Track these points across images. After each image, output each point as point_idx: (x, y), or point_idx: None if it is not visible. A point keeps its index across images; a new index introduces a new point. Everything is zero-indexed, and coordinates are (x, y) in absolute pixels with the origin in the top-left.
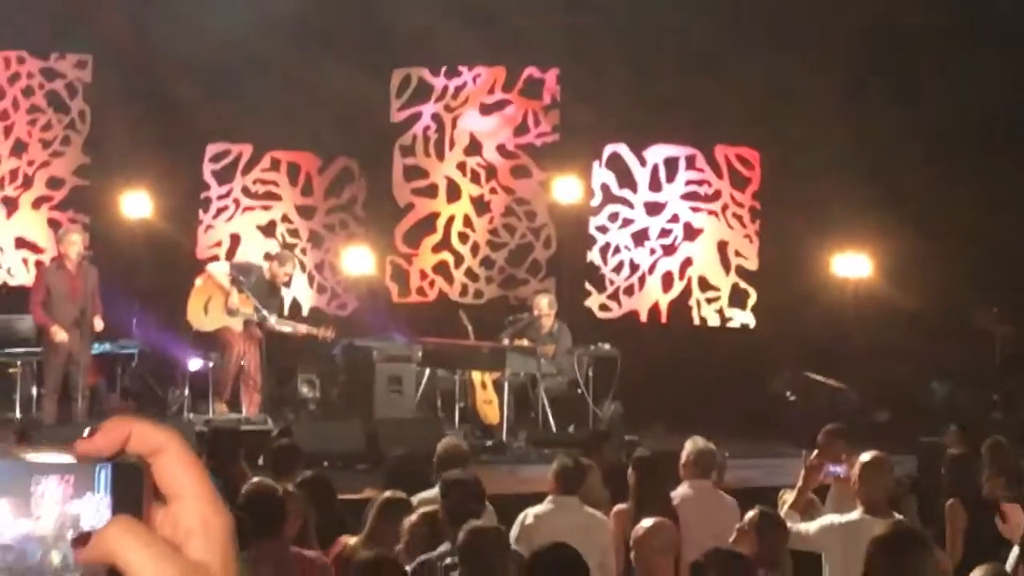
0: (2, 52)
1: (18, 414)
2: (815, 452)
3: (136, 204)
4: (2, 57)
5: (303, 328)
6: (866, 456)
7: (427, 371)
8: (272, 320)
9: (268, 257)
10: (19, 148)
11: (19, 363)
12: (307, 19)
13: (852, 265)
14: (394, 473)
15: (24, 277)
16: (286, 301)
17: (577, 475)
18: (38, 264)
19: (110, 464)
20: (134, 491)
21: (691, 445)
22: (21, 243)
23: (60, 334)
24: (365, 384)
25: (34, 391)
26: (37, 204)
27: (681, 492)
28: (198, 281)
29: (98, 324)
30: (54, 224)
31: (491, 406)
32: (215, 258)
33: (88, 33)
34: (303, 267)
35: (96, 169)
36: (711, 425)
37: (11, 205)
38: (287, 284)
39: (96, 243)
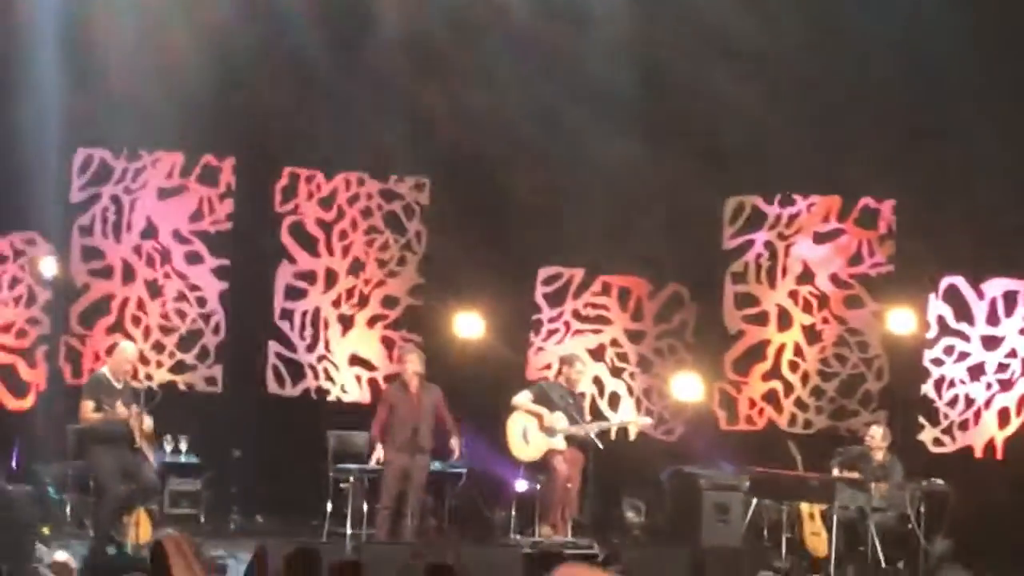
0: (344, 174)
1: (349, 530)
2: None
3: (468, 324)
4: (344, 179)
5: (622, 423)
6: None
7: (754, 500)
8: (587, 425)
9: (561, 361)
10: (356, 267)
11: (352, 479)
12: (638, 144)
13: None
14: None
15: (356, 394)
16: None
17: None
18: (385, 379)
19: None
20: None
21: None
22: (355, 360)
23: (379, 452)
24: (691, 511)
25: (364, 506)
26: (372, 323)
27: None
28: (509, 420)
29: (454, 445)
30: (387, 343)
31: (819, 538)
32: (545, 378)
33: (427, 156)
34: (631, 391)
35: (430, 289)
36: None
37: (347, 323)
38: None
39: (428, 362)
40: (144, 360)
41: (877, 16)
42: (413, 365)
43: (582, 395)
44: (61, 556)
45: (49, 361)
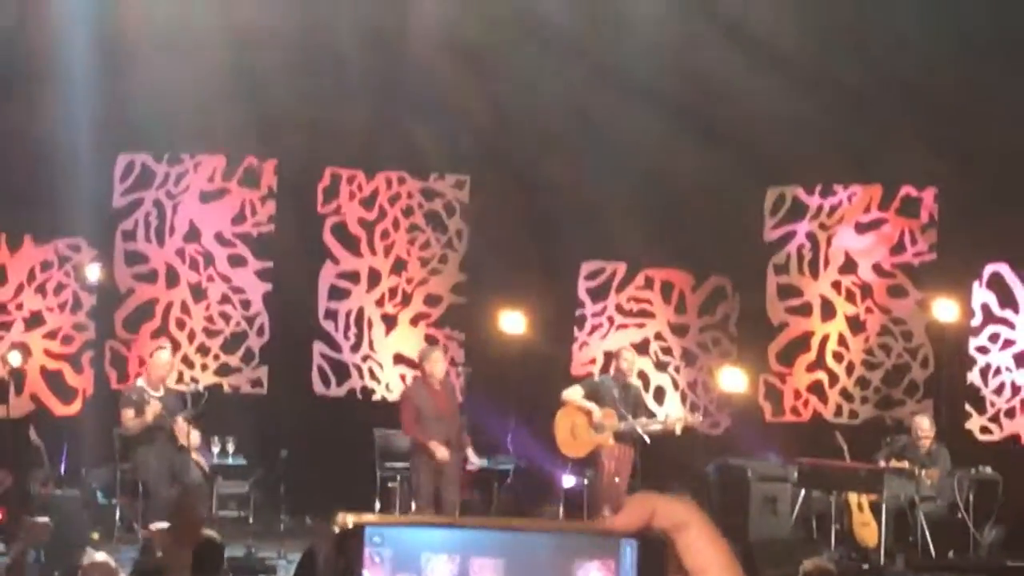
0: (384, 173)
1: None
2: None
3: (511, 321)
4: (384, 178)
5: (671, 421)
6: None
7: (802, 491)
8: (636, 423)
9: (609, 356)
10: (399, 266)
11: (398, 478)
12: (677, 136)
13: None
14: None
15: None
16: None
17: None
18: (413, 380)
19: (635, 540)
20: (658, 566)
21: None
22: (399, 359)
23: (441, 451)
24: (739, 503)
25: (412, 505)
26: (415, 321)
27: None
28: (558, 416)
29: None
30: (431, 341)
31: (868, 528)
32: (589, 374)
33: (467, 153)
34: (675, 385)
35: (472, 286)
36: None
37: (390, 322)
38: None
39: (472, 360)
40: (189, 363)
41: (914, 1)
42: (441, 365)
43: (636, 388)
44: (100, 556)
45: (95, 366)
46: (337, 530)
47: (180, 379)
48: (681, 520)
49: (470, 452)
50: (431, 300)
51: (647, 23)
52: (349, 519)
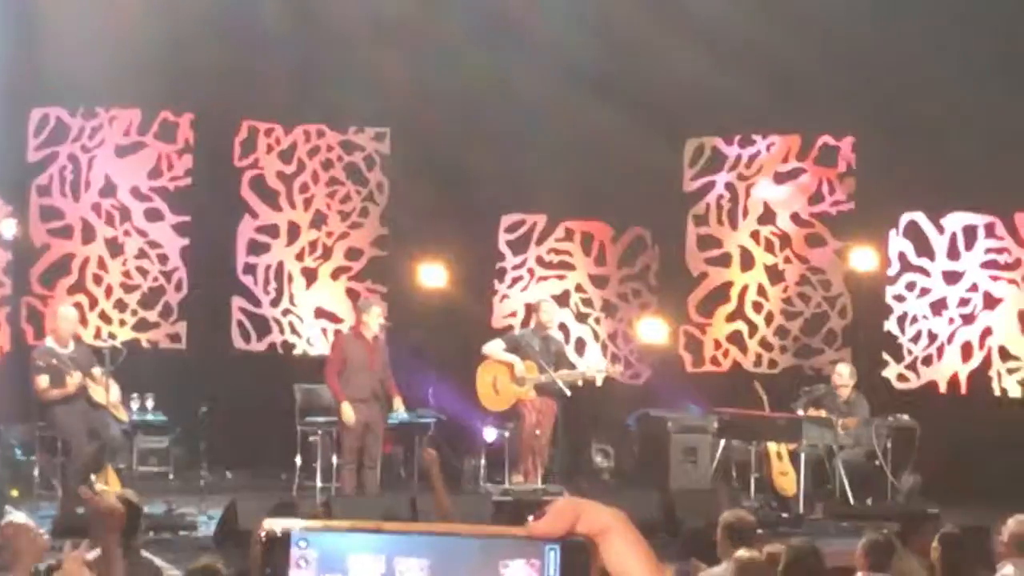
0: (303, 126)
1: (319, 483)
2: None
3: (432, 274)
4: (303, 131)
5: (591, 373)
6: None
7: (722, 442)
8: (557, 375)
9: (529, 309)
10: (319, 220)
11: (320, 432)
12: (601, 90)
13: None
14: (691, 545)
15: (323, 347)
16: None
17: (888, 551)
18: (336, 333)
19: (559, 544)
20: (582, 570)
21: (1014, 524)
22: (320, 313)
23: (348, 413)
24: (660, 454)
25: (334, 460)
26: (336, 275)
27: (1003, 573)
28: (479, 370)
29: (397, 404)
30: (352, 294)
31: (787, 477)
32: (510, 327)
33: (386, 106)
34: (596, 336)
35: (393, 240)
36: (1015, 499)
37: (311, 276)
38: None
39: (393, 313)
40: (106, 318)
41: None
42: (378, 320)
43: (557, 341)
44: (19, 517)
45: (11, 323)
46: (263, 536)
47: (97, 335)
48: (604, 526)
49: (397, 402)
50: (352, 254)
51: None
52: (276, 525)
